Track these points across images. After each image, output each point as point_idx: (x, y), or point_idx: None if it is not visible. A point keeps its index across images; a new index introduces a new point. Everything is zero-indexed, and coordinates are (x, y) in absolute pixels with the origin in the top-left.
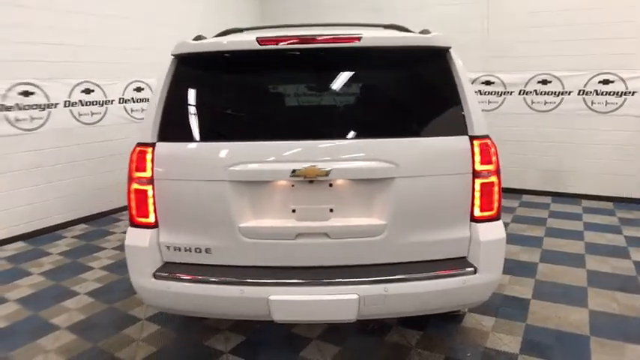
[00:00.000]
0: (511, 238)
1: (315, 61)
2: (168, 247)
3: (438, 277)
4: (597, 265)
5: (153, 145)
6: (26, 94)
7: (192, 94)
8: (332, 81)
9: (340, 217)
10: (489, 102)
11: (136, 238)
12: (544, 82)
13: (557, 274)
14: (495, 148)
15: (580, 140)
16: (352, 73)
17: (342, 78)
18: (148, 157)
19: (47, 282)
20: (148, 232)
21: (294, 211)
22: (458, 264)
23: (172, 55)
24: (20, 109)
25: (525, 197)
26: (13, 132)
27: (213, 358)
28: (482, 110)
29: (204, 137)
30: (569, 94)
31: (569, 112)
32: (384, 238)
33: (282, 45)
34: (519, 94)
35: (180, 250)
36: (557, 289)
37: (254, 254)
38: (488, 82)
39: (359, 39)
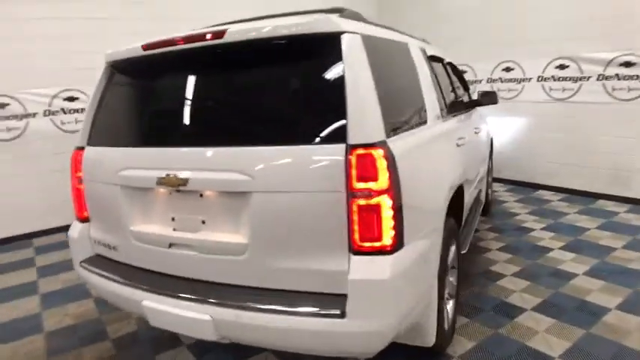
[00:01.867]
0: (602, 270)
1: (190, 63)
2: (95, 241)
3: (293, 313)
4: None
5: (83, 148)
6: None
7: (108, 101)
8: (202, 84)
9: (209, 231)
10: (629, 89)
11: (72, 230)
12: None
13: (628, 330)
14: (390, 160)
15: None
16: (220, 73)
17: (210, 80)
18: (80, 159)
19: None
20: (80, 226)
21: (173, 219)
22: (325, 302)
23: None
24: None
25: None
26: None
27: (171, 347)
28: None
29: (109, 142)
30: None
31: None
32: (247, 260)
33: (158, 50)
34: None
35: (101, 244)
36: (609, 349)
37: (141, 257)
38: (628, 64)
39: (223, 34)
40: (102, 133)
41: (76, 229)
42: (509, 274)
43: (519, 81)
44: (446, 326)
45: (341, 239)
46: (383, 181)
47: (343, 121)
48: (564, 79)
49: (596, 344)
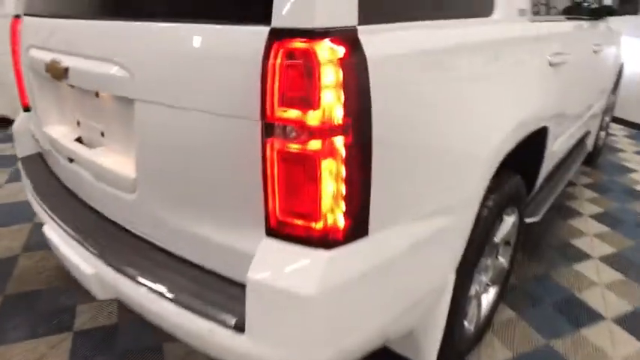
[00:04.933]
0: None
1: None
2: (34, 137)
3: (174, 301)
4: None
5: (19, 17)
6: None
7: None
8: None
9: (105, 149)
10: None
11: (16, 120)
12: None
13: None
14: (355, 70)
15: None
16: None
17: None
18: (16, 30)
19: None
20: (22, 116)
21: (78, 124)
22: (222, 298)
23: None
24: None
25: None
26: None
27: None
28: None
29: (35, 9)
30: None
31: None
32: (137, 202)
33: None
34: None
35: (38, 141)
36: None
37: (55, 168)
38: None
39: None
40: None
41: (19, 119)
42: (596, 257)
43: None
44: (472, 327)
45: (254, 204)
46: (331, 109)
47: None
48: None
49: None
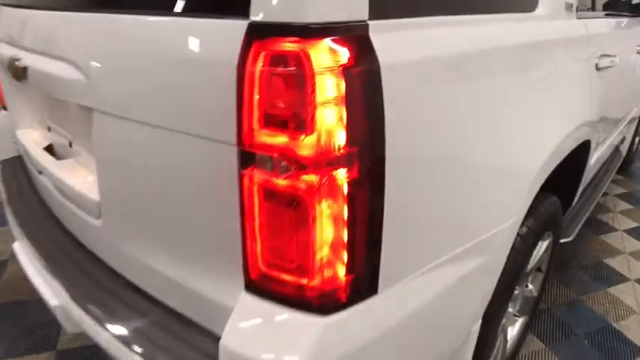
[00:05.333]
0: None
1: None
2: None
3: (142, 355)
4: None
5: None
6: None
7: None
8: None
9: (73, 161)
10: None
11: None
12: None
13: None
14: (363, 80)
15: None
16: None
17: None
18: None
19: None
20: (1, 115)
21: (49, 129)
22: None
23: None
24: None
25: None
26: None
27: None
28: None
29: None
30: None
31: None
32: (102, 229)
33: None
34: None
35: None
36: None
37: (32, 175)
38: None
39: None
40: None
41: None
42: (632, 279)
43: None
44: None
45: (232, 248)
46: (330, 134)
47: None
48: None
49: None
